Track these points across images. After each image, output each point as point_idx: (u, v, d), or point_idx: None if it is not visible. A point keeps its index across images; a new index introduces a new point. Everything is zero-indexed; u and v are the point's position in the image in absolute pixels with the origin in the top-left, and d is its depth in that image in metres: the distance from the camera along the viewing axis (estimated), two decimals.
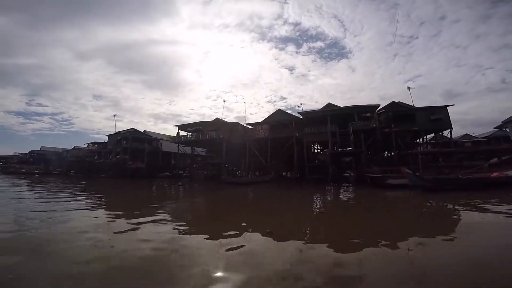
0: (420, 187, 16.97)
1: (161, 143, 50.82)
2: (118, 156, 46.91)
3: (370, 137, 30.69)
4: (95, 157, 49.64)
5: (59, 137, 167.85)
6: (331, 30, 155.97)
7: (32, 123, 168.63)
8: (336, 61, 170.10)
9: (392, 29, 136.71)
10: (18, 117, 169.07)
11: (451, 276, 3.89)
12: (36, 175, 45.59)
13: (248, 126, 41.87)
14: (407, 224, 8.28)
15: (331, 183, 27.07)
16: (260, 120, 42.24)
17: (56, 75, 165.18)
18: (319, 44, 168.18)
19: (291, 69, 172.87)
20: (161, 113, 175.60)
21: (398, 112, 33.85)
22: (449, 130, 33.10)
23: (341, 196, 17.03)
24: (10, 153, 72.52)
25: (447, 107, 33.18)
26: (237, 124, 40.77)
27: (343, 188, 22.21)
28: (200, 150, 46.15)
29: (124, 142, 47.09)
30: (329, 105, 39.36)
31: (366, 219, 9.18)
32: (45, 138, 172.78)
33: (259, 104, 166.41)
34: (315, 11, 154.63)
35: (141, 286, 3.59)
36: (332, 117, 33.10)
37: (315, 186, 24.08)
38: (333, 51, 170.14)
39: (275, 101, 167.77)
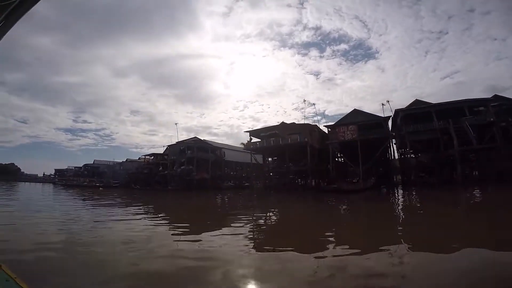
0: None
1: (224, 152, 48.78)
2: (182, 167, 45.07)
3: (487, 132, 27.27)
4: (160, 168, 48.06)
5: (102, 152, 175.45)
6: (354, 32, 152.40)
7: (79, 139, 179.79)
8: (363, 62, 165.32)
9: (418, 25, 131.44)
10: (66, 134, 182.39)
11: None
12: (101, 189, 44.44)
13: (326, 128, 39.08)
14: None
15: (464, 185, 23.58)
16: None
17: (98, 92, 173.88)
18: (343, 46, 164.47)
19: (317, 74, 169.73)
20: (193, 126, 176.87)
21: None
22: None
23: None
24: (63, 167, 73.81)
25: None
26: (315, 126, 38.07)
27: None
28: (259, 158, 43.33)
29: (189, 152, 45.29)
30: (417, 101, 36.09)
31: None
32: (90, 153, 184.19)
33: (285, 112, 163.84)
34: (334, 14, 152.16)
35: None
36: (436, 113, 29.81)
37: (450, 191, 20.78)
38: (359, 53, 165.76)
39: (302, 108, 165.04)
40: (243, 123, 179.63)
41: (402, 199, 21.02)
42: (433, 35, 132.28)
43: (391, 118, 34.91)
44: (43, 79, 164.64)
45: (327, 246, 6.76)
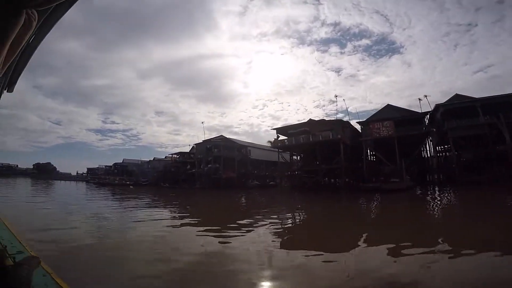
0: None
1: (250, 150, 48.51)
2: (209, 166, 45.33)
3: None
4: (188, 167, 48.70)
5: (130, 151, 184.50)
6: (375, 26, 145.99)
7: (108, 139, 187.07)
8: (387, 57, 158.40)
9: (444, 18, 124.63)
10: (96, 134, 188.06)
11: None
12: (131, 187, 45.65)
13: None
14: None
15: None
16: None
17: (125, 94, 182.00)
18: (364, 41, 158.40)
19: (338, 70, 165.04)
20: (215, 125, 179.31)
21: None
22: None
23: None
24: (94, 166, 77.67)
25: None
26: (348, 122, 36.78)
27: None
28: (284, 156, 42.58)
29: (216, 150, 45.45)
30: (457, 96, 33.91)
31: None
32: (118, 153, 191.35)
33: (306, 109, 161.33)
34: (353, 9, 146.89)
35: None
36: (482, 107, 27.80)
37: None
38: (382, 48, 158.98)
39: (323, 106, 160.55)
40: (263, 121, 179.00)
41: (452, 199, 19.67)
42: (462, 27, 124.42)
43: (429, 113, 33.13)
44: (74, 82, 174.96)
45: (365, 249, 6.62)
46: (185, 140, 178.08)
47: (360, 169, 36.28)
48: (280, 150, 39.67)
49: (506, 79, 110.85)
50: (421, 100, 34.72)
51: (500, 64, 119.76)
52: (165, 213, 14.80)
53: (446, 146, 34.22)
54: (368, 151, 37.22)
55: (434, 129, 30.49)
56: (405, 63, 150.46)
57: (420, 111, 33.45)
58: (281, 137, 39.75)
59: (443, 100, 34.34)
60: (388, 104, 37.73)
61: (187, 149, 57.21)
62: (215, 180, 43.51)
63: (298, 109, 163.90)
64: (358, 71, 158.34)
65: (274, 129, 40.00)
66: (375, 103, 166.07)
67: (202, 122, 52.85)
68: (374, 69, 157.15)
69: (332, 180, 39.47)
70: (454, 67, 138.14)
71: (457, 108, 29.06)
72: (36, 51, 1.45)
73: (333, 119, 36.60)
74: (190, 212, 15.85)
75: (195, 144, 50.42)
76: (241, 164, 46.53)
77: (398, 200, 19.48)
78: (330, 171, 35.56)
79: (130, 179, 54.36)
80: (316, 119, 40.56)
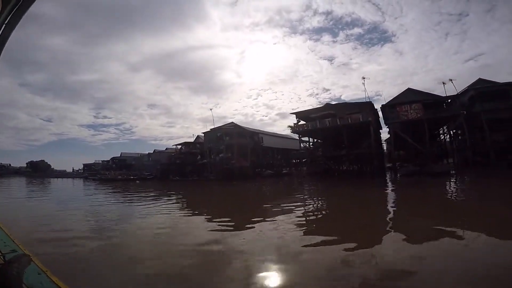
0: None
1: (262, 138, 46.65)
2: (221, 155, 43.24)
3: None
4: (198, 157, 46.22)
5: (124, 145, 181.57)
6: (367, 15, 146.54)
7: (101, 134, 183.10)
8: (379, 46, 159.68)
9: (435, 7, 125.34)
10: (89, 130, 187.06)
11: None
12: (137, 182, 42.88)
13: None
14: None
15: None
16: None
17: (115, 88, 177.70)
18: (357, 30, 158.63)
19: (330, 59, 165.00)
20: (209, 117, 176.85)
21: None
22: None
23: None
24: (90, 161, 73.16)
25: None
26: (373, 105, 35.57)
27: None
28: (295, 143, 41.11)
29: (227, 138, 43.25)
30: (481, 80, 33.54)
31: None
32: (112, 147, 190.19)
33: (300, 98, 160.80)
34: None
35: None
36: None
37: None
38: (374, 36, 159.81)
39: (317, 94, 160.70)
40: (257, 111, 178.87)
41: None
42: (453, 17, 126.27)
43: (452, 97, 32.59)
44: (62, 78, 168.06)
45: None
46: (179, 132, 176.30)
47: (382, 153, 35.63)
48: (301, 136, 38.31)
49: (496, 68, 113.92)
50: (445, 84, 34.02)
51: (491, 53, 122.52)
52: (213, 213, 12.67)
53: (459, 131, 34.55)
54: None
55: (464, 112, 29.92)
56: (397, 52, 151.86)
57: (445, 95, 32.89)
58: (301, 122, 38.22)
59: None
60: (408, 88, 36.76)
61: (181, 140, 54.54)
62: (227, 170, 41.54)
63: (291, 98, 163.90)
64: (351, 59, 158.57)
65: (293, 113, 38.41)
66: (369, 91, 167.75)
67: (211, 109, 50.37)
68: (367, 57, 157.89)
69: (353, 166, 38.52)
70: (445, 55, 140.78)
71: (489, 91, 28.62)
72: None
73: (360, 101, 35.20)
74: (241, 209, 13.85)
75: (202, 132, 47.91)
76: (253, 152, 44.69)
77: (446, 185, 18.68)
78: (357, 156, 34.53)
79: (133, 173, 51.22)
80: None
